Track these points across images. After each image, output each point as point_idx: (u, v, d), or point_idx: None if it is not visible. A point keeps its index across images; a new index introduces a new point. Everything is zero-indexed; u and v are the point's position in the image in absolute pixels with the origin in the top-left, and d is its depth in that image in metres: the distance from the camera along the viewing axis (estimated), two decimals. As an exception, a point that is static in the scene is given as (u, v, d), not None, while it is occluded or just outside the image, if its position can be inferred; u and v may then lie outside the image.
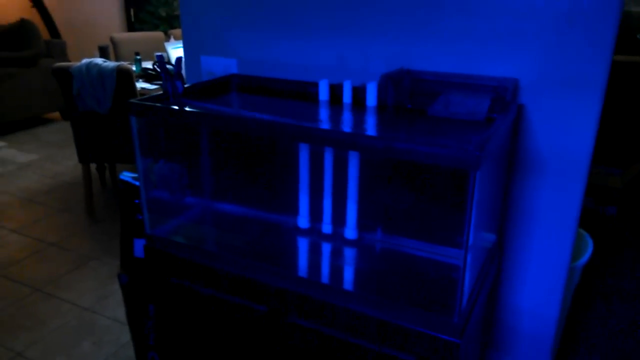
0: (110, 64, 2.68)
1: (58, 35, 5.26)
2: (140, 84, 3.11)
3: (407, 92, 1.26)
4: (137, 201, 1.51)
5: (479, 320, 1.17)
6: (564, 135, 1.23)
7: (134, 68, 3.42)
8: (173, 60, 2.48)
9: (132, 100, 1.17)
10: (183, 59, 1.69)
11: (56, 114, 5.13)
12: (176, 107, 1.13)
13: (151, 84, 3.14)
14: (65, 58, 4.86)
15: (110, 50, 4.00)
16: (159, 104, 1.16)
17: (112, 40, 4.14)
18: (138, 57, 3.45)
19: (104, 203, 3.16)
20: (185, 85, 1.32)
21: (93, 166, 3.59)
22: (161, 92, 1.27)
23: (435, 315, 0.98)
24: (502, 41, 1.23)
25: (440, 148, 0.87)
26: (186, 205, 1.45)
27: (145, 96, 1.24)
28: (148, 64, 3.57)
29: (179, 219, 1.40)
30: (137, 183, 1.50)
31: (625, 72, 2.90)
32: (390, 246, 1.27)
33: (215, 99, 1.39)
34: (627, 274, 2.38)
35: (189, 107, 1.16)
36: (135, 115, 1.19)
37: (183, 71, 1.71)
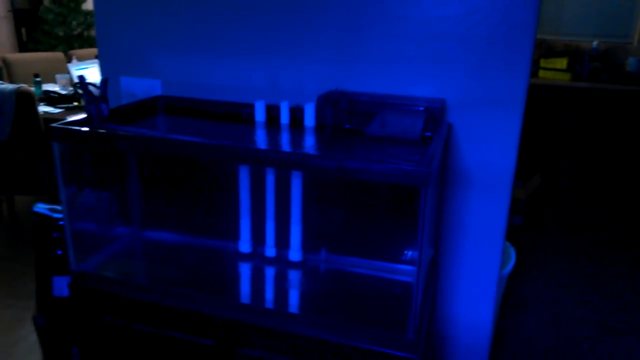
0: (9, 86, 2.46)
1: (-63, 55, 4.75)
2: (43, 108, 2.88)
3: (345, 113, 1.28)
4: (55, 235, 1.38)
5: (426, 334, 1.20)
6: (489, 151, 1.30)
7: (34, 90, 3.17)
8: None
9: (54, 125, 1.08)
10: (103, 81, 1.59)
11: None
12: (105, 131, 1.06)
13: (55, 107, 2.92)
14: (-52, 80, 4.39)
15: (4, 72, 3.69)
16: (85, 128, 1.08)
17: (4, 61, 3.82)
18: (38, 79, 3.20)
19: (3, 239, 2.86)
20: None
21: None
22: (82, 115, 1.18)
23: (390, 332, 0.98)
24: (429, 63, 1.28)
25: (391, 166, 0.89)
26: (116, 236, 1.35)
27: (63, 120, 1.14)
28: (49, 87, 3.32)
29: (108, 251, 1.29)
30: (55, 215, 1.38)
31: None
32: (336, 266, 1.26)
33: (142, 122, 1.32)
34: (536, 279, 2.57)
35: (119, 131, 1.09)
36: (57, 141, 1.09)
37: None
